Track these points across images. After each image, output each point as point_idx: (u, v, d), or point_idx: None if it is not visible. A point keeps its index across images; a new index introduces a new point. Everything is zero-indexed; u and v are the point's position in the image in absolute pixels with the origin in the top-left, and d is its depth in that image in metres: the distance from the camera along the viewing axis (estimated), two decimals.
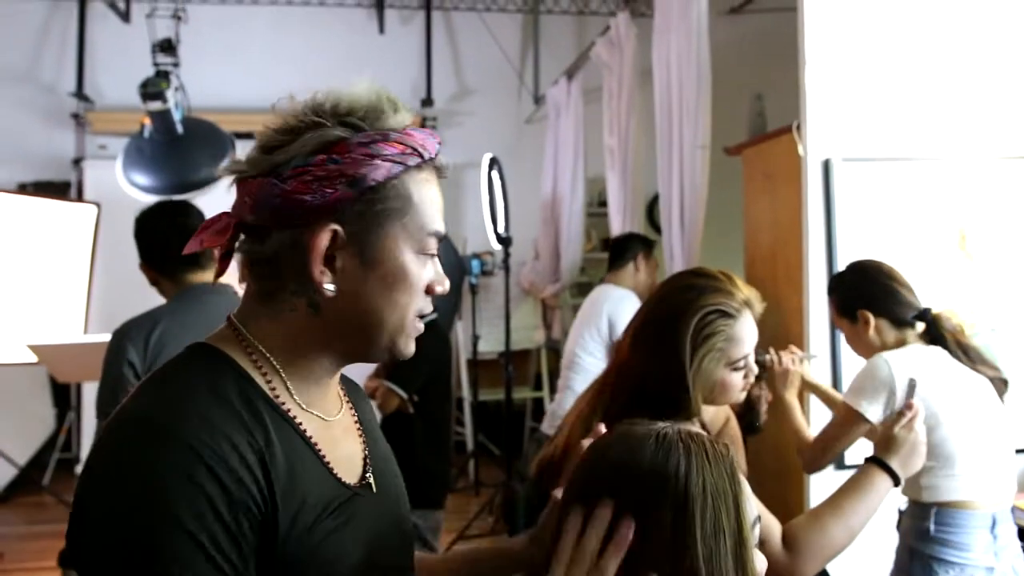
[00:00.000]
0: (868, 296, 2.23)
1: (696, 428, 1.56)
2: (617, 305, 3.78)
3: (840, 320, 2.33)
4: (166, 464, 0.79)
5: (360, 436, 1.04)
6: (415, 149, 0.93)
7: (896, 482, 1.62)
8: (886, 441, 1.67)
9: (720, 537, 0.86)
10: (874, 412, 2.10)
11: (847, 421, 2.15)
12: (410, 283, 0.94)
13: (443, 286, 0.99)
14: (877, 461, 1.64)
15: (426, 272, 0.96)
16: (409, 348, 0.98)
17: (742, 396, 1.57)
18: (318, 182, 0.88)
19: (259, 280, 0.94)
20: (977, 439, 2.09)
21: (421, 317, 0.98)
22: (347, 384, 1.11)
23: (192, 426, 0.82)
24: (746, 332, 1.49)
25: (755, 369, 1.56)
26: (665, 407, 1.46)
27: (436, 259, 0.98)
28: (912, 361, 2.12)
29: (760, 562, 0.93)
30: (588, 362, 3.78)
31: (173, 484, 0.78)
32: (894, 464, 1.63)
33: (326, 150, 0.89)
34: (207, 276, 2.29)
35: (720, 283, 1.50)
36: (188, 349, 0.94)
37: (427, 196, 0.95)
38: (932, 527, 2.06)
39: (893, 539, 2.24)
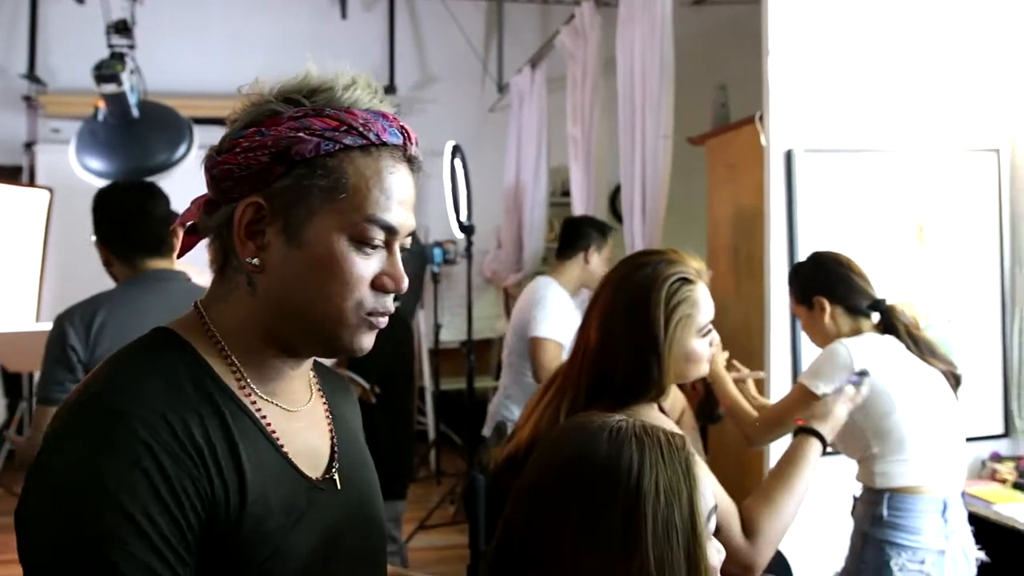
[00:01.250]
0: (824, 284, 2.30)
1: (659, 416, 1.57)
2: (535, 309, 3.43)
3: (798, 307, 2.39)
4: (109, 446, 0.79)
5: (329, 429, 1.02)
6: (354, 128, 0.89)
7: (824, 449, 1.74)
8: (825, 414, 1.80)
9: (672, 536, 0.84)
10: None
11: (802, 401, 2.18)
12: (340, 270, 0.89)
13: (396, 283, 0.93)
14: (811, 431, 1.74)
15: (367, 263, 0.91)
16: (357, 344, 0.93)
17: (707, 369, 1.62)
18: (244, 153, 0.88)
19: (211, 254, 0.95)
20: (928, 426, 2.15)
21: (379, 314, 0.93)
22: (324, 374, 1.09)
23: (136, 409, 0.81)
24: (706, 298, 1.57)
25: (717, 338, 1.62)
26: (634, 389, 1.48)
27: (388, 252, 0.93)
28: (869, 348, 2.18)
29: (716, 553, 0.92)
30: (520, 366, 3.50)
31: (114, 467, 0.78)
32: (826, 433, 1.75)
33: (258, 123, 0.89)
34: (164, 263, 2.21)
35: (670, 256, 1.57)
36: (150, 332, 0.93)
37: (372, 182, 0.90)
38: (885, 512, 2.11)
39: (847, 526, 2.28)
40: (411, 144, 0.95)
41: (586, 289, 3.46)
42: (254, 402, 0.91)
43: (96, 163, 3.92)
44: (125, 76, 3.67)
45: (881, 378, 2.13)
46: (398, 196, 0.92)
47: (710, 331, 1.59)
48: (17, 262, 5.06)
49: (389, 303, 0.94)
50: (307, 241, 0.89)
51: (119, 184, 2.31)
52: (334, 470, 0.98)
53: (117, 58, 3.72)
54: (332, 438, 1.01)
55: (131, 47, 3.88)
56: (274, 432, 0.92)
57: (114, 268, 2.24)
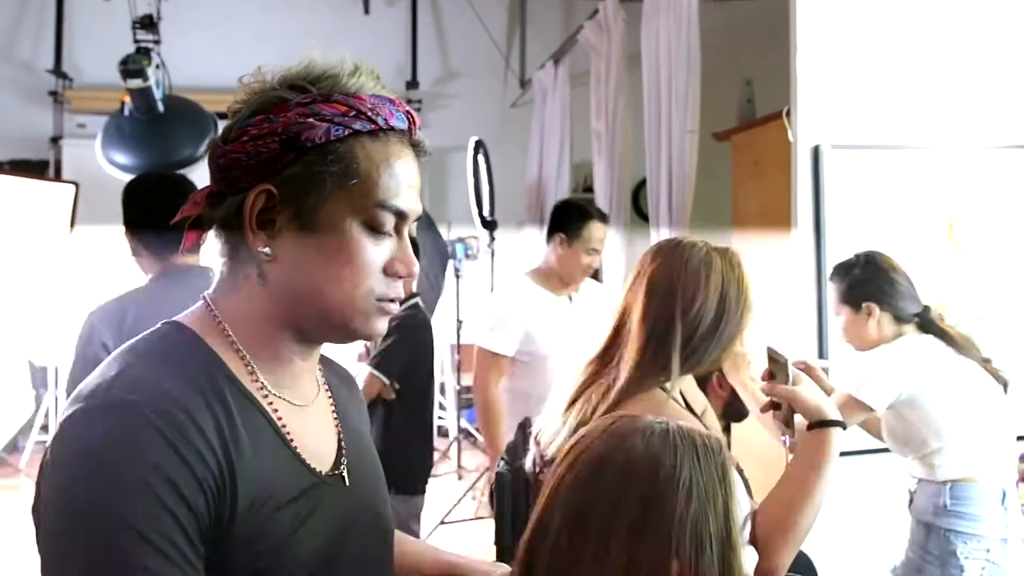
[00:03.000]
0: (876, 290, 2.29)
1: (682, 412, 1.55)
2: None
3: (842, 307, 2.36)
4: (118, 437, 0.78)
5: (336, 425, 1.01)
6: (363, 112, 0.88)
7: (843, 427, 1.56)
8: (826, 400, 1.59)
9: (706, 543, 0.82)
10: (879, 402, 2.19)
11: (851, 413, 2.15)
12: (353, 256, 0.89)
13: (407, 268, 0.92)
14: (829, 423, 1.54)
15: (379, 249, 0.90)
16: (372, 329, 0.92)
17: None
18: (253, 141, 0.87)
19: (219, 247, 0.93)
20: (979, 419, 2.20)
21: (388, 300, 0.92)
22: (331, 370, 1.08)
23: (147, 397, 0.80)
24: None
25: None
26: (691, 359, 1.52)
27: (398, 238, 0.93)
28: (915, 353, 2.23)
29: (750, 559, 0.89)
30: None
31: (124, 457, 0.77)
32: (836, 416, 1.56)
33: (265, 111, 0.88)
34: (193, 258, 2.19)
35: (713, 245, 1.59)
36: (159, 326, 0.93)
37: (383, 167, 0.89)
38: (948, 502, 2.15)
39: (872, 525, 2.28)
40: (415, 129, 0.95)
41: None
42: (265, 395, 0.91)
43: (122, 157, 3.95)
44: (150, 71, 3.70)
45: (933, 379, 2.19)
46: (407, 181, 0.91)
47: None
48: (43, 256, 5.11)
49: (399, 288, 0.93)
50: (319, 228, 0.88)
51: (151, 175, 2.29)
52: (342, 466, 0.97)
53: (143, 53, 3.75)
54: (339, 433, 1.00)
55: (156, 42, 3.91)
56: (284, 426, 0.91)
57: (141, 259, 2.22)
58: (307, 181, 0.87)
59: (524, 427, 2.61)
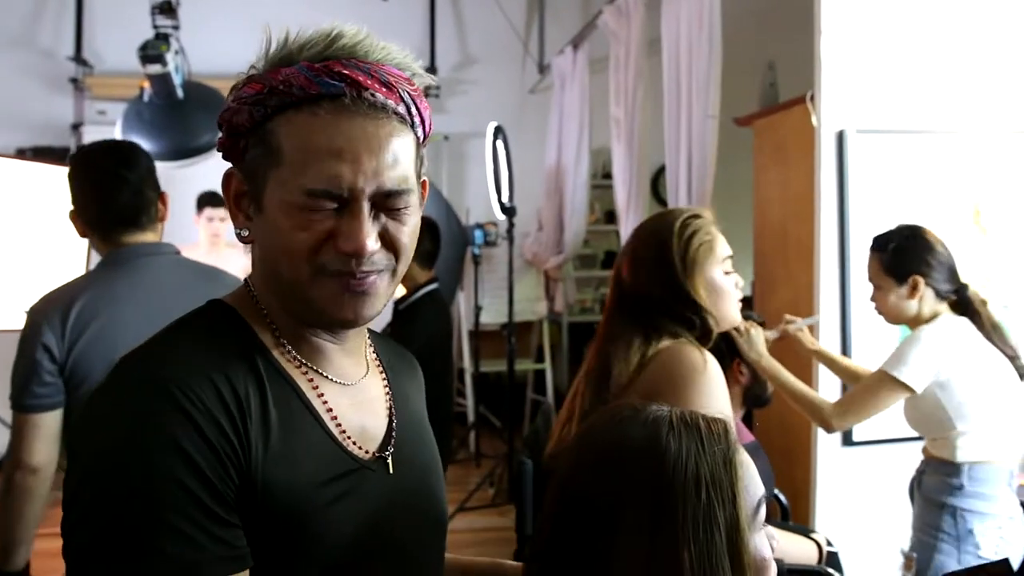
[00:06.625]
0: (922, 263, 2.25)
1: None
2: None
3: (884, 278, 2.30)
4: (142, 406, 0.78)
5: (388, 407, 0.98)
6: (276, 88, 0.83)
7: None
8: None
9: (715, 531, 0.80)
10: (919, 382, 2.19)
11: (886, 389, 2.20)
12: (288, 237, 0.84)
13: (351, 244, 0.84)
14: None
15: (319, 226, 0.84)
16: (340, 312, 0.87)
17: (737, 315, 1.69)
18: (221, 128, 0.91)
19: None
20: (1000, 403, 2.21)
21: (351, 275, 0.86)
22: (387, 348, 1.07)
23: (171, 370, 0.81)
24: (720, 235, 1.66)
25: (742, 281, 1.69)
26: (680, 323, 1.60)
27: (349, 210, 0.84)
28: (952, 336, 2.22)
29: (765, 543, 0.87)
30: None
31: (148, 426, 0.77)
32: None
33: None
34: (146, 236, 1.92)
35: (683, 207, 1.74)
36: (204, 305, 0.93)
37: (302, 142, 0.83)
38: (965, 482, 2.17)
39: (891, 515, 2.27)
40: (362, 89, 0.83)
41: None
42: (304, 372, 0.90)
43: (141, 143, 3.95)
44: (170, 56, 3.70)
45: (964, 363, 2.19)
46: (335, 151, 0.83)
47: (732, 272, 1.65)
48: (64, 240, 5.14)
49: (361, 263, 0.86)
50: (266, 210, 0.87)
51: (96, 145, 2.01)
52: (388, 451, 0.94)
53: (162, 38, 3.74)
54: (390, 416, 0.97)
55: (175, 28, 3.90)
56: (326, 402, 0.90)
57: (93, 240, 1.95)
58: (252, 165, 0.88)
59: (546, 413, 2.60)
